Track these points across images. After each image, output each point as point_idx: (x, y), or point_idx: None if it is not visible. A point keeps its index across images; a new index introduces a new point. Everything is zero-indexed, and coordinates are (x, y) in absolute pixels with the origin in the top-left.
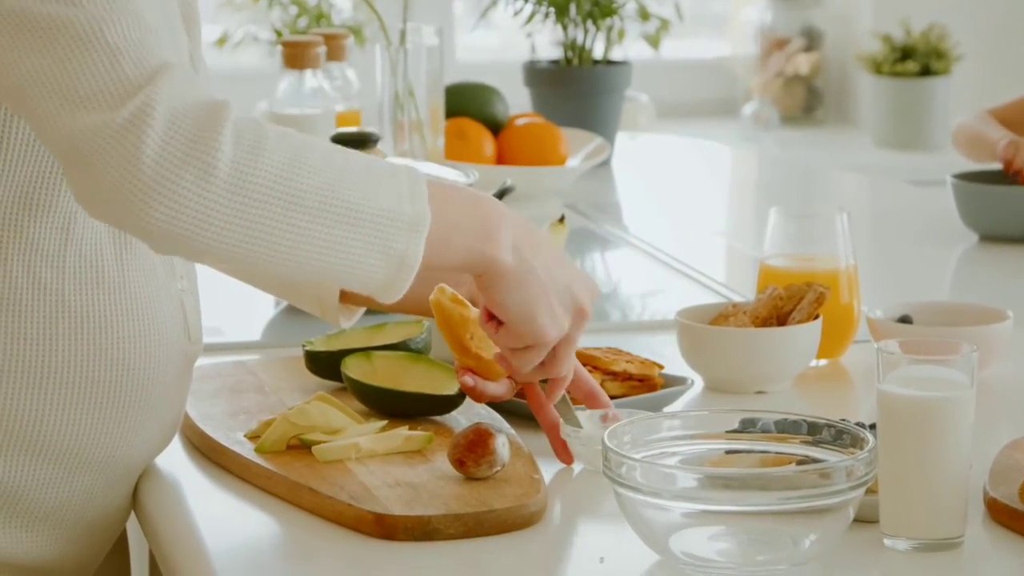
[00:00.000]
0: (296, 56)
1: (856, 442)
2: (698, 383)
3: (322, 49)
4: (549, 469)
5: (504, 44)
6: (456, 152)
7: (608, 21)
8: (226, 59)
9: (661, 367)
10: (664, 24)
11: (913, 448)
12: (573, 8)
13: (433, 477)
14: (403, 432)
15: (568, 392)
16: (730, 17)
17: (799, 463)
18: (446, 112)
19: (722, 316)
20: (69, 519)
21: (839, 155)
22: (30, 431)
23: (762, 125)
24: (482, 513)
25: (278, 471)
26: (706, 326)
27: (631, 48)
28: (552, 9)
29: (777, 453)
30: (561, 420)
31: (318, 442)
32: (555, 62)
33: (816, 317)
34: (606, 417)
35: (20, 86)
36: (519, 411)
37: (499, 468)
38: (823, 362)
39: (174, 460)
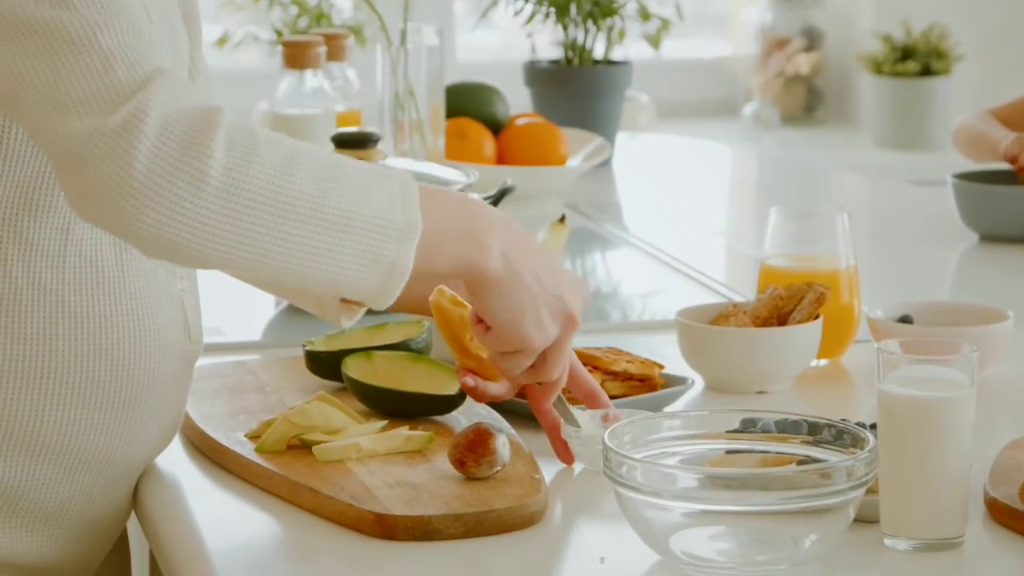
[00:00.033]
0: (296, 56)
1: (856, 442)
2: (698, 383)
3: (322, 49)
4: (549, 469)
5: (504, 44)
6: (456, 152)
7: (608, 21)
8: (226, 59)
9: (661, 367)
10: (665, 24)
11: (913, 448)
12: (573, 8)
13: (433, 477)
14: (403, 432)
15: (569, 392)
16: (730, 17)
17: (799, 463)
18: (446, 112)
19: (722, 316)
20: (69, 519)
21: (839, 155)
22: (30, 431)
23: (762, 125)
24: (482, 513)
25: (278, 471)
26: (706, 326)
27: (631, 48)
28: (552, 9)
29: (777, 453)
30: (562, 420)
31: (318, 442)
32: (555, 62)
33: (816, 317)
34: (607, 417)
35: (14, 89)
36: (519, 411)
37: (499, 468)
38: (823, 362)
39: (174, 460)
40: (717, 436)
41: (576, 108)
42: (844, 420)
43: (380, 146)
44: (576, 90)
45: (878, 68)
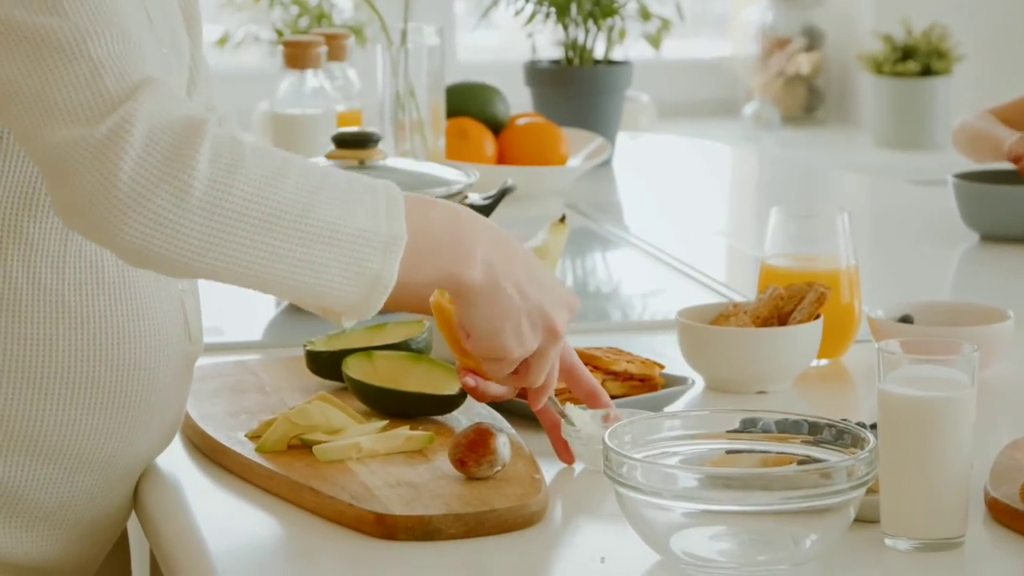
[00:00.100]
0: (297, 56)
1: (857, 442)
2: (699, 383)
3: (323, 49)
4: (550, 469)
5: (505, 44)
6: (457, 152)
7: (609, 21)
8: (227, 59)
9: (662, 367)
10: (665, 24)
11: (914, 448)
12: (574, 8)
13: (434, 477)
14: (404, 432)
15: (569, 392)
16: (731, 17)
17: (800, 463)
18: (447, 112)
19: (723, 316)
20: (70, 519)
21: (840, 155)
22: (30, 431)
23: (763, 125)
24: (483, 513)
25: (279, 471)
26: (707, 326)
27: (632, 48)
28: (553, 9)
29: (778, 453)
30: (563, 420)
31: (319, 442)
32: (556, 62)
33: (817, 317)
34: (607, 417)
35: (3, 95)
36: (520, 411)
37: (500, 468)
38: (824, 362)
39: (175, 460)
40: (717, 436)
41: (577, 108)
42: (844, 420)
43: (381, 146)
44: (577, 90)
45: (879, 68)
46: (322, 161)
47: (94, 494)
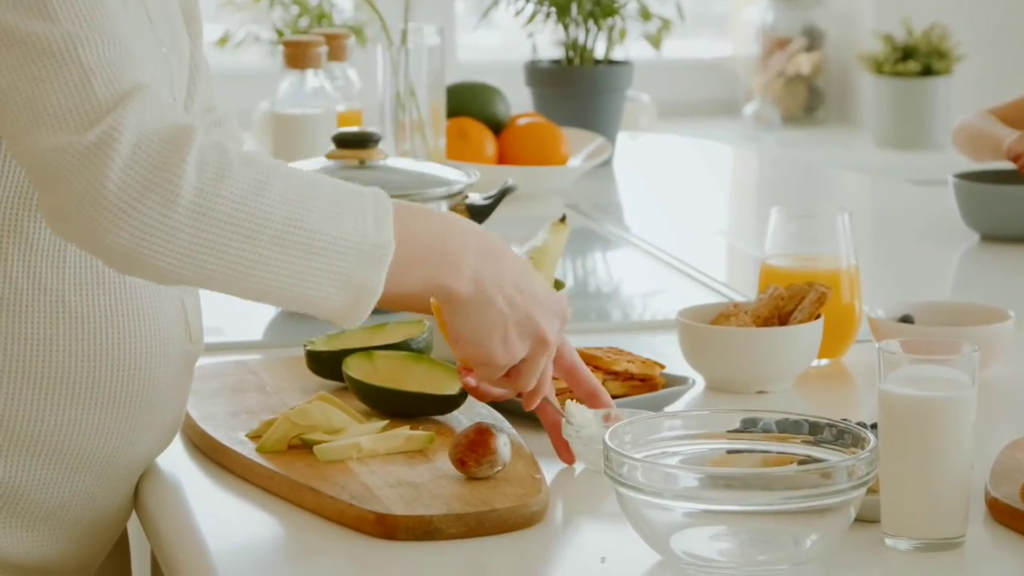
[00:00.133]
0: (297, 56)
1: (857, 442)
2: (699, 383)
3: (323, 49)
4: (550, 469)
5: (505, 44)
6: (457, 152)
7: (609, 21)
8: (227, 59)
9: (662, 367)
10: (665, 24)
11: (915, 448)
12: (574, 8)
13: (434, 477)
14: (404, 432)
15: (570, 392)
16: (731, 17)
17: (800, 463)
18: (447, 112)
19: (723, 316)
20: (70, 519)
21: (840, 155)
22: (31, 431)
23: (763, 125)
24: (483, 513)
25: (279, 471)
26: (707, 326)
27: (632, 48)
28: (553, 9)
29: (778, 453)
30: (563, 420)
31: (319, 442)
32: (556, 62)
33: (817, 317)
34: (608, 417)
35: None
36: (521, 411)
37: (500, 468)
38: (824, 362)
39: (175, 460)
40: (718, 436)
41: (577, 108)
42: (845, 420)
43: (381, 146)
44: (577, 90)
45: (879, 68)
46: (322, 161)
47: (94, 494)
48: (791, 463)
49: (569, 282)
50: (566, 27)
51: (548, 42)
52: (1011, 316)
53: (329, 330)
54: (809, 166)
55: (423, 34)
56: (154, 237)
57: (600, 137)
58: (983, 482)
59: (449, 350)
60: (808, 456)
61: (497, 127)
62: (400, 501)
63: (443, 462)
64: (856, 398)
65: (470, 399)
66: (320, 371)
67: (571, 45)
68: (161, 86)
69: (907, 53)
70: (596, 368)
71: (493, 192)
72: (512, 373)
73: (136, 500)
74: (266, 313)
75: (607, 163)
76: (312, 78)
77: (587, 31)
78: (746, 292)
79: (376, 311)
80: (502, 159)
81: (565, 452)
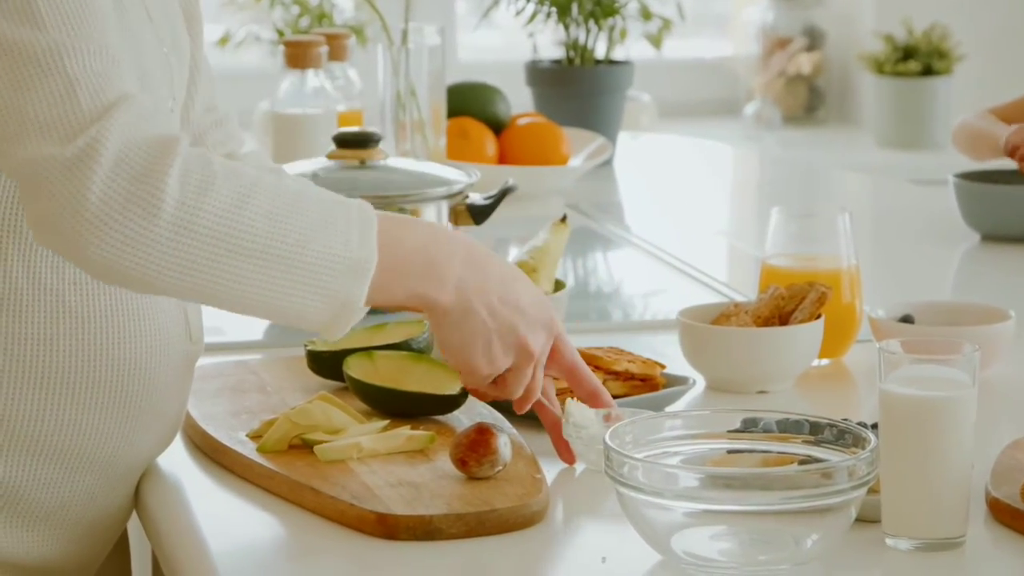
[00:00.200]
0: (298, 56)
1: (858, 442)
2: (700, 383)
3: (324, 49)
4: (551, 469)
5: (506, 44)
6: (458, 152)
7: (610, 21)
8: (228, 59)
9: (663, 367)
10: (666, 24)
11: (915, 448)
12: (575, 8)
13: (435, 477)
14: (405, 432)
15: (571, 392)
16: (732, 17)
17: (801, 463)
18: (448, 112)
19: (724, 316)
20: (70, 519)
21: (841, 155)
22: (31, 431)
23: (764, 125)
24: (484, 513)
25: (280, 471)
26: (708, 326)
27: (633, 48)
28: (554, 9)
29: (779, 453)
30: (564, 420)
31: (320, 442)
32: (557, 62)
33: (818, 317)
34: (609, 416)
35: None
36: None
37: (501, 468)
38: (825, 362)
39: (176, 460)
40: (718, 436)
41: (578, 108)
42: (846, 420)
43: (381, 146)
44: (578, 90)
45: (879, 68)
46: (322, 161)
47: (95, 494)
48: (792, 463)
49: (570, 282)
50: (567, 27)
51: (549, 42)
52: (1011, 316)
53: None
54: (810, 166)
55: (424, 34)
56: (135, 249)
57: (601, 137)
58: (983, 482)
59: None
60: (809, 456)
61: (498, 127)
62: (401, 501)
63: (444, 462)
64: (856, 398)
65: (470, 399)
66: (321, 371)
67: (572, 45)
68: (161, 86)
69: (907, 53)
70: (597, 368)
71: (494, 192)
72: (499, 381)
73: (136, 500)
74: None
75: (608, 163)
76: (313, 78)
77: (588, 31)
78: (747, 292)
79: (376, 311)
80: (503, 159)
81: (566, 452)
